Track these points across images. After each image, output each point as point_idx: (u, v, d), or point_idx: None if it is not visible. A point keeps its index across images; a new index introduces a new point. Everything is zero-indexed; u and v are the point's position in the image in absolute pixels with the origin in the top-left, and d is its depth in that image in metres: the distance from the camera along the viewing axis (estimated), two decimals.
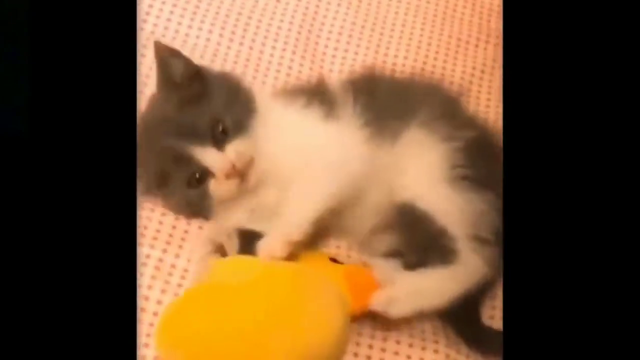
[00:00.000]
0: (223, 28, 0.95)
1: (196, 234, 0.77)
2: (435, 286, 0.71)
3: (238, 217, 0.74)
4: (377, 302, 0.69)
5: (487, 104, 0.97)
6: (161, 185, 0.73)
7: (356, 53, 0.99)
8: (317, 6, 1.00)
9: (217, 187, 0.71)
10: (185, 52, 0.76)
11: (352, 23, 1.01)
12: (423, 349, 0.74)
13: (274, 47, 0.96)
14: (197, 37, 0.94)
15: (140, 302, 0.71)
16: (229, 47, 0.94)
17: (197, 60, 0.78)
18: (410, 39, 1.01)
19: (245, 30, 0.96)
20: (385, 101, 0.78)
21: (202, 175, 0.71)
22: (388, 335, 0.74)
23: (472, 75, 0.99)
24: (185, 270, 0.75)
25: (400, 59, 0.99)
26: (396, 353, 0.73)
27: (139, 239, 0.75)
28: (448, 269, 0.71)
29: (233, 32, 0.96)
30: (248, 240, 0.70)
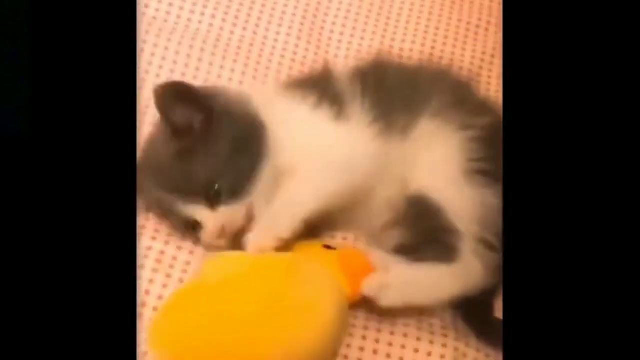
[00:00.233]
0: (226, 13, 0.94)
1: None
2: (430, 282, 0.70)
3: None
4: (369, 286, 0.68)
5: (497, 89, 0.95)
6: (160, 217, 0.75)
7: (362, 38, 0.97)
8: None
9: (209, 239, 0.71)
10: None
11: (359, 7, 0.99)
12: (431, 342, 0.72)
13: (278, 33, 0.94)
14: (200, 22, 0.92)
15: (141, 297, 0.69)
16: (232, 32, 0.93)
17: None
18: (417, 23, 0.99)
19: (248, 15, 0.94)
20: (394, 91, 0.77)
21: (196, 226, 0.71)
22: (395, 329, 0.73)
23: (482, 60, 0.97)
24: (188, 264, 0.73)
25: (407, 43, 0.97)
26: (403, 346, 0.72)
27: (140, 231, 0.73)
28: (447, 266, 0.70)
29: (236, 17, 0.94)
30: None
